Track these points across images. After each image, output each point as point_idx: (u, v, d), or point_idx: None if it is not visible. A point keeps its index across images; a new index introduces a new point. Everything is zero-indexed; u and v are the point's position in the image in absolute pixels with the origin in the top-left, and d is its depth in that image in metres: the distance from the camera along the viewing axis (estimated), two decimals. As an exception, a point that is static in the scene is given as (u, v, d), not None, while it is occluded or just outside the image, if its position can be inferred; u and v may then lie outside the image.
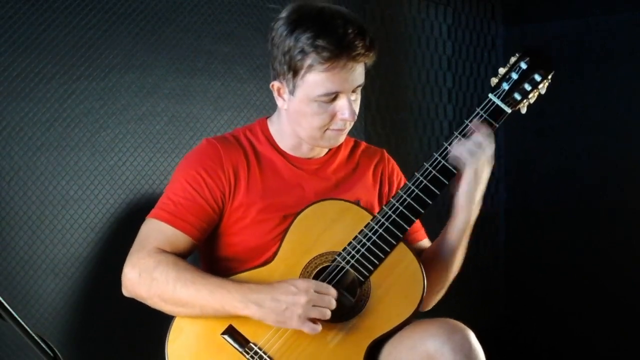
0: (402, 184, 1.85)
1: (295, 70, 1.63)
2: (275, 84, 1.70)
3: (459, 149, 1.65)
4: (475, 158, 1.65)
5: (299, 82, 1.64)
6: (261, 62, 2.41)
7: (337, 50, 1.59)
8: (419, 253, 1.77)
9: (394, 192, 1.84)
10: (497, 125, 1.68)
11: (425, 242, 1.87)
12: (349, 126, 1.71)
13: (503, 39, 3.52)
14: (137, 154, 2.15)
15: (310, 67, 1.61)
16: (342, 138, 1.75)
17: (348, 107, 1.65)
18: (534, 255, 3.45)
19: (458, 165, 1.66)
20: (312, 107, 1.65)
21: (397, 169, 1.91)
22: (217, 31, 2.32)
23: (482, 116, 1.67)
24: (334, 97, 1.65)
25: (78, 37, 2.00)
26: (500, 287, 3.53)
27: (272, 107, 2.30)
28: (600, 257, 3.24)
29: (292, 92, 1.67)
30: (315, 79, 1.62)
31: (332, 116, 1.67)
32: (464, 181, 1.67)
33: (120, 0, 2.09)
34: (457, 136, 1.66)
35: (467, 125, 1.67)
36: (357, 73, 1.65)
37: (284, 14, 1.67)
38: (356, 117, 1.69)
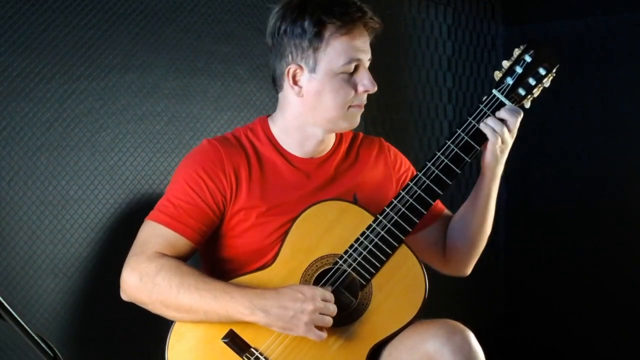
0: (408, 168, 1.87)
1: (315, 46, 1.64)
2: (292, 68, 1.68)
3: (484, 127, 1.65)
4: (497, 136, 1.65)
5: (321, 55, 1.65)
6: (261, 62, 2.41)
7: (354, 15, 1.64)
8: (447, 220, 1.83)
9: (402, 180, 1.84)
10: None
11: (448, 212, 1.89)
12: (365, 100, 1.73)
13: (503, 39, 3.52)
14: (137, 154, 2.14)
15: (330, 36, 1.64)
16: (358, 118, 1.74)
17: (368, 77, 1.68)
18: (534, 255, 3.45)
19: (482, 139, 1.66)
20: (335, 82, 1.66)
21: (399, 155, 1.90)
22: (217, 31, 2.32)
23: (485, 113, 1.65)
24: (354, 68, 1.67)
25: (78, 37, 2.00)
26: (500, 287, 3.53)
27: (272, 107, 2.30)
28: (600, 257, 3.23)
29: (313, 69, 1.66)
30: (336, 48, 1.64)
31: (354, 89, 1.68)
32: (489, 149, 1.67)
33: (120, 0, 2.09)
34: (459, 134, 1.65)
35: (474, 118, 1.65)
36: (369, 43, 1.70)
37: (279, 4, 1.69)
38: (376, 88, 1.70)
